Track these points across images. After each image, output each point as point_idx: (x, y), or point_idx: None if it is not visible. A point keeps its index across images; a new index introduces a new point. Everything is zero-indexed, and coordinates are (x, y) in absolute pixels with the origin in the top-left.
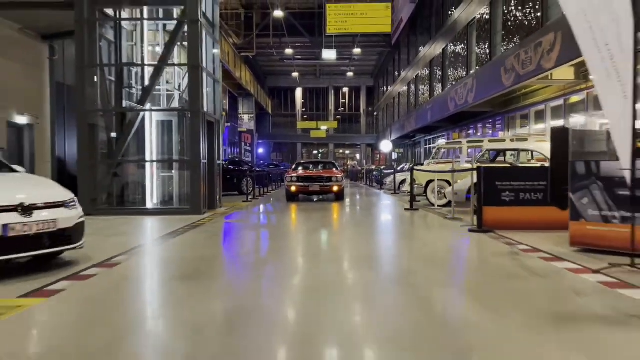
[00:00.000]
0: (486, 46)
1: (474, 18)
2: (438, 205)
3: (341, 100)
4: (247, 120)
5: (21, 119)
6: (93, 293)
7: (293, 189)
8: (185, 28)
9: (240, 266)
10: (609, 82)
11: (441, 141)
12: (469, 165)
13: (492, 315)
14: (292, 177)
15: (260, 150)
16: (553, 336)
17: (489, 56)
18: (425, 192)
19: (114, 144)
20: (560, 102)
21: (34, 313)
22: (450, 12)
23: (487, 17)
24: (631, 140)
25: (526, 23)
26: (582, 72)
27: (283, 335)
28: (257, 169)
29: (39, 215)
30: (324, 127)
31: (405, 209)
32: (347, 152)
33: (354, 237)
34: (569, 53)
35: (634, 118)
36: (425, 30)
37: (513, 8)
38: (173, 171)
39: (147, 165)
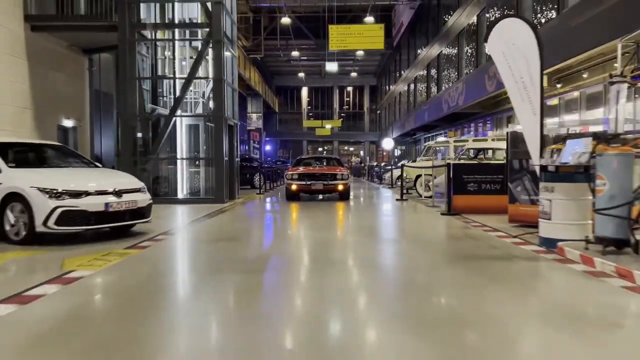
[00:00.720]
0: (473, 54)
1: (464, 28)
2: (425, 196)
3: (345, 99)
4: (255, 119)
5: (67, 122)
6: (169, 246)
7: (294, 187)
8: (210, 46)
9: (265, 234)
10: (523, 104)
11: (432, 141)
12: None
13: (430, 255)
14: (292, 174)
15: (268, 148)
16: (463, 264)
17: (476, 63)
18: (414, 185)
19: (150, 144)
20: (546, 102)
21: (141, 255)
22: (445, 19)
23: (474, 27)
24: (539, 144)
25: None
26: (554, 80)
27: (300, 263)
28: (266, 165)
29: (126, 197)
30: (328, 126)
31: (397, 199)
32: (351, 149)
33: (353, 218)
34: None
35: (541, 129)
36: (423, 34)
37: None
38: (200, 167)
39: (178, 161)
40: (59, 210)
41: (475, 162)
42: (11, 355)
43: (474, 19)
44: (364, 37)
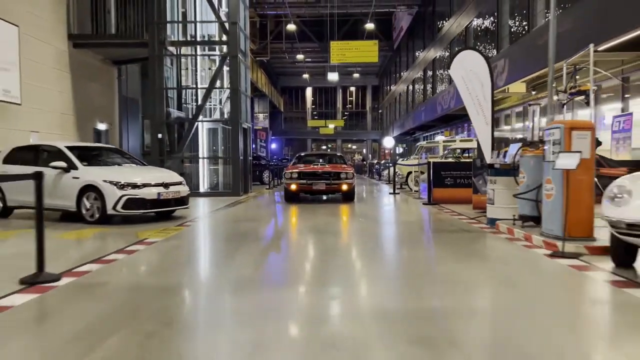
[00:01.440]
0: None
1: (455, 37)
2: (415, 190)
3: (348, 98)
4: (262, 119)
5: (101, 126)
6: (207, 224)
7: (293, 187)
8: (227, 60)
9: (277, 217)
10: (478, 117)
11: (424, 141)
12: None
13: (405, 229)
14: (292, 173)
15: (273, 146)
16: (427, 234)
17: None
18: (406, 180)
19: (175, 145)
20: (521, 108)
21: (189, 229)
22: (439, 26)
23: (463, 38)
24: (490, 147)
25: (485, 51)
26: (530, 87)
27: (307, 231)
28: (272, 163)
29: (171, 188)
30: (331, 125)
31: (390, 193)
32: (354, 147)
33: (350, 206)
34: (514, 75)
35: (492, 136)
36: (420, 39)
37: (479, 42)
38: (218, 165)
39: (200, 160)
40: (125, 198)
41: (454, 160)
42: (156, 264)
43: (463, 29)
44: (360, 51)
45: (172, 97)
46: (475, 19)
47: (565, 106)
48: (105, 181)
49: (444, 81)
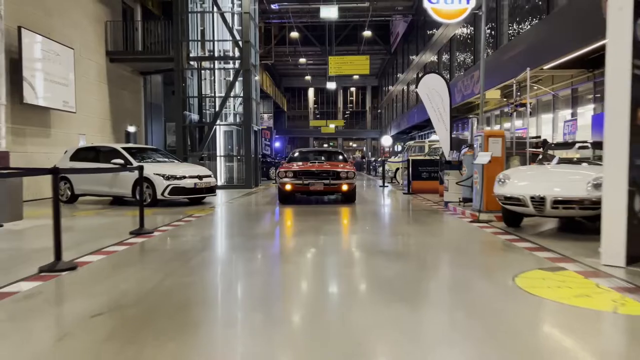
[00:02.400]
0: (448, 72)
1: (443, 46)
2: (401, 184)
3: (349, 98)
4: (266, 119)
5: (131, 128)
6: (232, 206)
7: (288, 187)
8: (241, 73)
9: (289, 201)
10: (440, 124)
11: (412, 141)
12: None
13: (384, 210)
14: (286, 171)
15: (277, 144)
16: (400, 212)
17: (449, 78)
18: (395, 176)
19: (197, 145)
20: (498, 112)
21: (220, 210)
22: (430, 34)
23: (449, 47)
24: (448, 148)
25: (466, 62)
26: (504, 94)
27: (310, 209)
28: (276, 161)
29: (204, 180)
30: (332, 125)
31: (380, 186)
32: (355, 145)
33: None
34: (487, 84)
35: (450, 139)
36: (414, 44)
37: (459, 51)
38: (233, 162)
39: (217, 158)
40: (170, 187)
41: (431, 158)
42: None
43: (449, 40)
44: (354, 65)
45: (192, 104)
46: (459, 28)
47: (514, 114)
48: (155, 174)
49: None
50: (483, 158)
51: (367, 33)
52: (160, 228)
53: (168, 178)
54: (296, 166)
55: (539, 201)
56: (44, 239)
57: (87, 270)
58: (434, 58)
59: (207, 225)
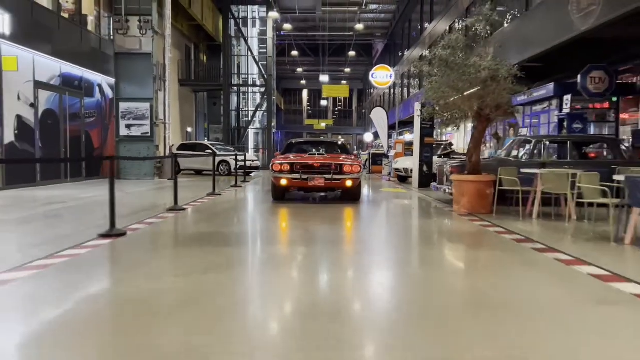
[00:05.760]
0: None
1: (415, 59)
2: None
3: (338, 99)
4: None
5: (189, 129)
6: (265, 178)
7: (283, 182)
8: (265, 96)
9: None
10: (383, 135)
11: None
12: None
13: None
14: (281, 164)
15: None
16: (380, 196)
17: (419, 87)
18: (365, 163)
19: (236, 141)
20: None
21: (259, 179)
22: (400, 54)
23: (418, 63)
24: (386, 148)
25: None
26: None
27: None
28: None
29: (254, 163)
30: (323, 124)
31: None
32: (342, 139)
33: None
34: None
35: (387, 144)
36: (390, 60)
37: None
38: (258, 152)
39: (250, 149)
40: (238, 165)
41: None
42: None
43: (417, 58)
44: (339, 90)
45: (235, 111)
46: (425, 51)
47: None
48: (229, 158)
49: (403, 94)
50: (394, 154)
51: (352, 53)
52: (241, 184)
53: (236, 159)
54: (292, 158)
55: (405, 170)
56: (185, 189)
57: (194, 208)
58: (406, 70)
59: (252, 186)
